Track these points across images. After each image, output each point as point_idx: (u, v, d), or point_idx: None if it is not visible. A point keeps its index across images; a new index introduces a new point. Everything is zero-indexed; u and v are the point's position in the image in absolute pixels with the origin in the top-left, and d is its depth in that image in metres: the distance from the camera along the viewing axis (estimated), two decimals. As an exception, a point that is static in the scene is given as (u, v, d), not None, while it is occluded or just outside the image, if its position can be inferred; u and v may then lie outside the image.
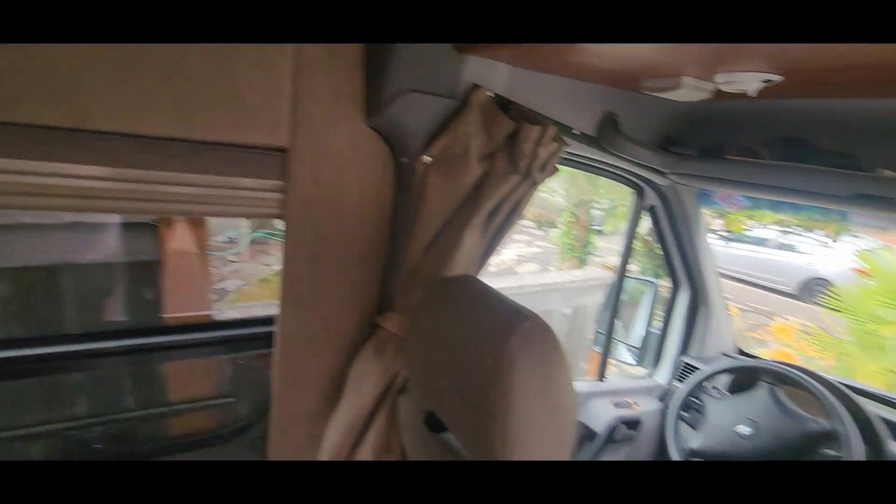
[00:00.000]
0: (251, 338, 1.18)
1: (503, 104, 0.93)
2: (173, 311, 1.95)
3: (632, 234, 1.62)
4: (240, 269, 5.75)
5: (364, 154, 0.92)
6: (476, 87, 0.88)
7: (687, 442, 1.41)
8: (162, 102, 0.74)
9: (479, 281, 0.80)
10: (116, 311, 1.87)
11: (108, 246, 1.81)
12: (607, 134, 1.07)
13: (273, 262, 5.99)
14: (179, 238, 1.88)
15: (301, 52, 0.81)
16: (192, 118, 0.77)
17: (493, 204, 0.94)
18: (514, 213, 0.99)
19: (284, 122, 0.83)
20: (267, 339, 1.18)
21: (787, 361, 1.44)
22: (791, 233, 7.70)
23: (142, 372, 1.57)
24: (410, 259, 0.95)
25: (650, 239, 1.65)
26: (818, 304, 4.95)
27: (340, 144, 0.89)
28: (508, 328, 0.61)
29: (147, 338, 1.13)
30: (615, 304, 1.67)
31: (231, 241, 5.81)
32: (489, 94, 0.90)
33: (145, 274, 1.88)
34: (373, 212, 0.96)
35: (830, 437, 1.18)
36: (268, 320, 1.21)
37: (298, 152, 0.86)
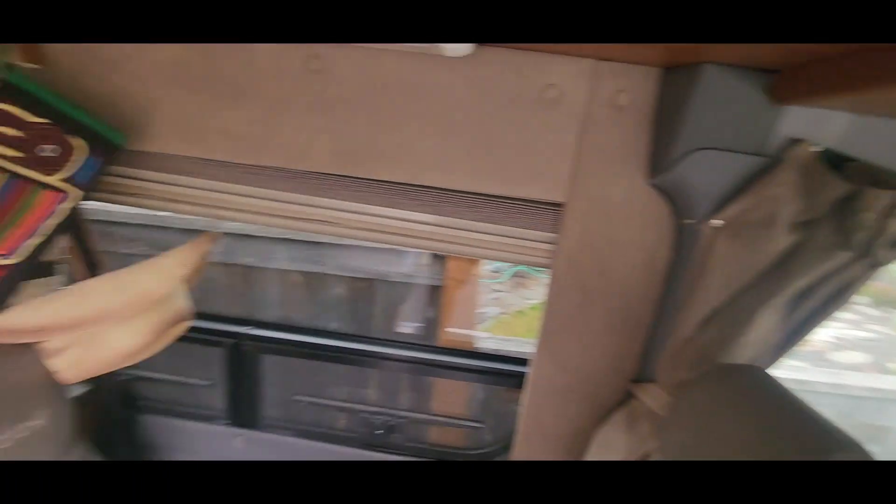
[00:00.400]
0: (506, 374, 1.26)
1: (836, 161, 0.74)
2: (447, 328, 2.26)
3: None
4: (500, 298, 6.25)
5: (640, 213, 0.87)
6: (795, 141, 0.73)
7: None
8: (468, 164, 0.88)
9: (772, 378, 0.65)
10: (406, 323, 2.30)
11: (409, 268, 2.25)
12: None
13: (532, 296, 6.30)
14: (460, 269, 2.19)
15: (588, 113, 0.83)
16: (488, 176, 0.89)
17: (805, 283, 0.75)
18: (839, 297, 0.77)
19: (564, 179, 0.87)
20: (519, 379, 1.24)
21: None
22: None
23: (416, 379, 1.88)
24: (682, 331, 0.85)
25: None
26: None
27: (616, 202, 0.87)
28: (814, 457, 0.47)
29: (424, 353, 1.33)
30: None
31: (496, 272, 6.38)
32: (814, 149, 0.74)
33: (431, 295, 2.25)
34: (644, 274, 0.90)
35: None
36: (523, 361, 1.27)
37: (573, 208, 0.88)
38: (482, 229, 0.95)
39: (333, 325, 2.29)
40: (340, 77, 0.87)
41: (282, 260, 2.20)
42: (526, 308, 6.20)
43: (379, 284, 2.27)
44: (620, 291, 0.92)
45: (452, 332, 2.15)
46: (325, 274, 2.26)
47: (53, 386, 0.96)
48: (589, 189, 0.87)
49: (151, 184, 1.00)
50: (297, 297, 2.28)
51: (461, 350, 1.32)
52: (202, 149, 0.94)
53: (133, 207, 1.06)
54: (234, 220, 1.01)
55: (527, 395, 1.01)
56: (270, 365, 1.43)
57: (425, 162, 0.89)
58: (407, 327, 2.22)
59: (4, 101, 0.80)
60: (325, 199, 0.96)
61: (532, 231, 0.95)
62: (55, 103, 0.83)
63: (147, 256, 0.95)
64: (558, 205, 0.90)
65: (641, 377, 0.95)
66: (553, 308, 0.95)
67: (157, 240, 2.05)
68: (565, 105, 0.84)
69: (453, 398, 2.01)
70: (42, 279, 0.92)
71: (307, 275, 2.25)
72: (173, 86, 0.90)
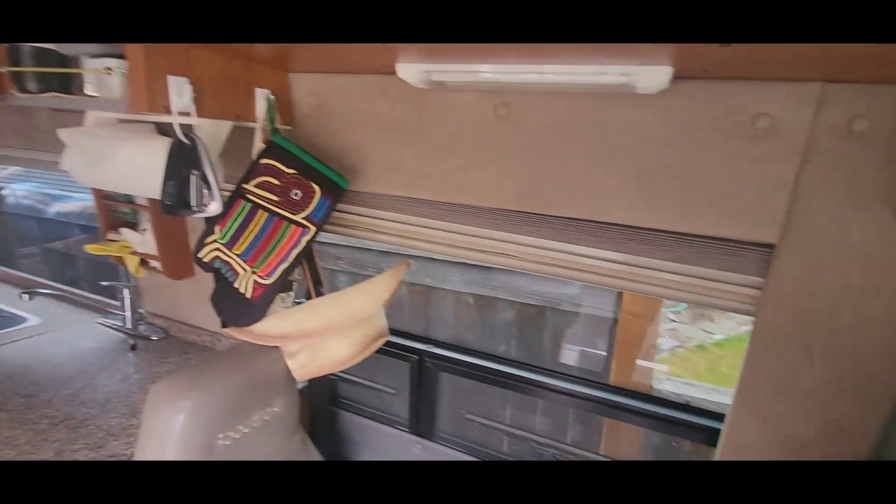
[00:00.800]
0: (690, 425, 1.14)
1: None
2: (620, 366, 2.12)
3: None
4: (677, 329, 5.60)
5: (886, 257, 0.72)
6: None
7: None
8: (660, 201, 0.85)
9: None
10: (575, 350, 2.23)
11: (581, 298, 2.19)
12: None
13: (715, 329, 5.51)
14: (637, 302, 2.04)
15: (811, 143, 0.73)
16: (684, 213, 0.83)
17: None
18: None
19: (777, 218, 0.77)
20: (706, 434, 1.11)
21: None
22: None
23: (585, 416, 1.81)
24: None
25: None
26: None
27: (850, 243, 0.74)
28: None
29: (598, 391, 1.28)
30: None
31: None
32: None
33: (604, 327, 2.15)
34: (891, 331, 0.74)
35: None
36: (713, 414, 1.13)
37: (788, 249, 0.77)
38: (671, 269, 0.89)
39: (501, 349, 2.35)
40: (526, 121, 0.92)
41: (457, 282, 2.36)
42: (708, 344, 5.46)
43: (549, 312, 2.26)
44: (855, 350, 0.76)
45: (626, 367, 2.01)
46: (495, 298, 2.34)
47: (289, 381, 1.20)
48: (811, 228, 0.76)
49: (361, 218, 1.19)
50: (468, 318, 2.41)
51: (639, 393, 1.23)
52: (406, 189, 1.08)
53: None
54: (426, 250, 1.14)
55: (721, 457, 0.90)
56: (447, 382, 1.54)
57: (610, 199, 0.88)
58: (575, 357, 2.15)
59: (270, 157, 1.05)
60: (510, 234, 1.02)
61: (730, 273, 0.85)
62: (302, 156, 1.06)
63: (350, 273, 1.12)
64: (767, 245, 0.80)
65: (883, 455, 0.77)
66: (757, 361, 0.83)
67: (357, 259, 2.41)
68: (781, 136, 0.75)
69: (625, 440, 1.88)
70: (284, 294, 1.16)
71: (478, 297, 2.36)
72: (385, 136, 1.07)
